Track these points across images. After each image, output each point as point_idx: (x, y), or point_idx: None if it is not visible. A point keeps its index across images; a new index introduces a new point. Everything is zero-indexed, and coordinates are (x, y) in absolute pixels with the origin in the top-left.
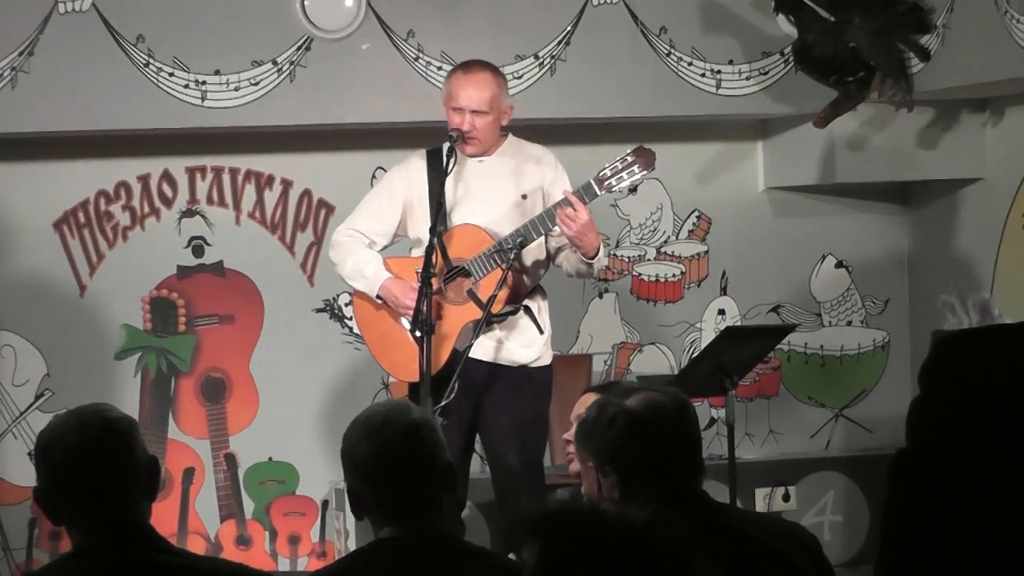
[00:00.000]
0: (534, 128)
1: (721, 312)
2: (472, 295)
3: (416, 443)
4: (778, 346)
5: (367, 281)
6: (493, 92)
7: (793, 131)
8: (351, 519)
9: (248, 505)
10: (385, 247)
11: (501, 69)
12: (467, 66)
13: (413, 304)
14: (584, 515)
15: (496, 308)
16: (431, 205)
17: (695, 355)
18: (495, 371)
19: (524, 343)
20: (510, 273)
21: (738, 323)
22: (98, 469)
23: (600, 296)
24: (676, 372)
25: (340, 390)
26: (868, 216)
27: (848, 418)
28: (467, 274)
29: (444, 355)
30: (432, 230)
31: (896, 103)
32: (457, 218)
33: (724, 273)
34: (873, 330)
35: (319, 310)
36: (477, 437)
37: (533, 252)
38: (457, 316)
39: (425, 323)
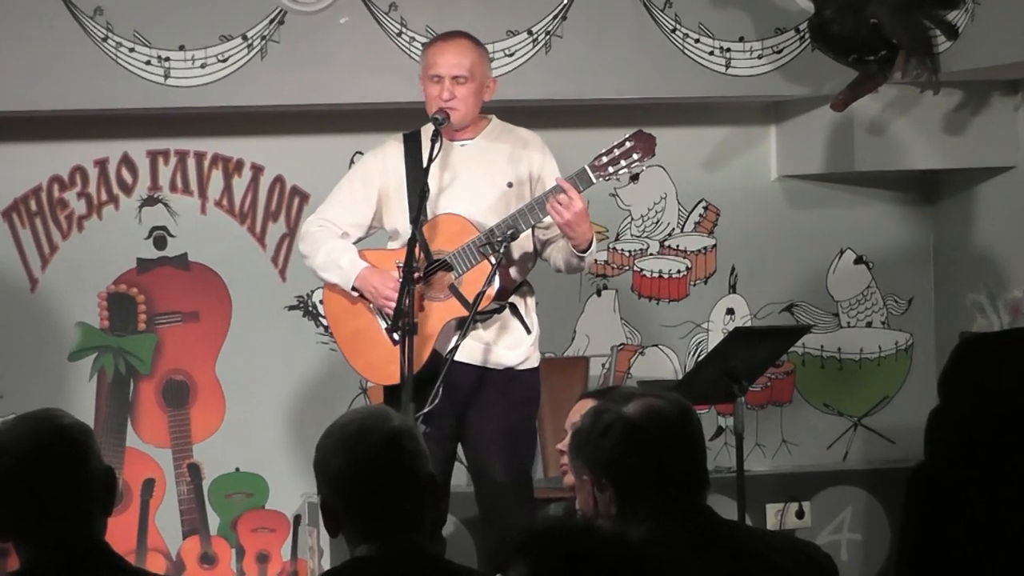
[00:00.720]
0: (527, 110)
1: (730, 311)
2: (455, 291)
3: (395, 453)
4: (792, 349)
5: (342, 272)
6: (473, 59)
7: (809, 115)
8: (325, 536)
9: (213, 520)
10: (359, 239)
11: (490, 46)
12: (445, 34)
13: (393, 296)
14: (576, 532)
15: (482, 305)
16: (410, 194)
17: (701, 358)
18: (479, 375)
19: (510, 344)
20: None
21: (748, 323)
22: (50, 480)
23: (598, 293)
24: (680, 377)
25: (314, 395)
26: (890, 207)
27: (868, 427)
28: (449, 268)
29: (424, 356)
30: (415, 220)
31: (921, 85)
32: (438, 207)
33: (733, 269)
34: (895, 332)
35: (292, 307)
36: (459, 446)
37: (520, 245)
38: (438, 314)
39: (408, 322)
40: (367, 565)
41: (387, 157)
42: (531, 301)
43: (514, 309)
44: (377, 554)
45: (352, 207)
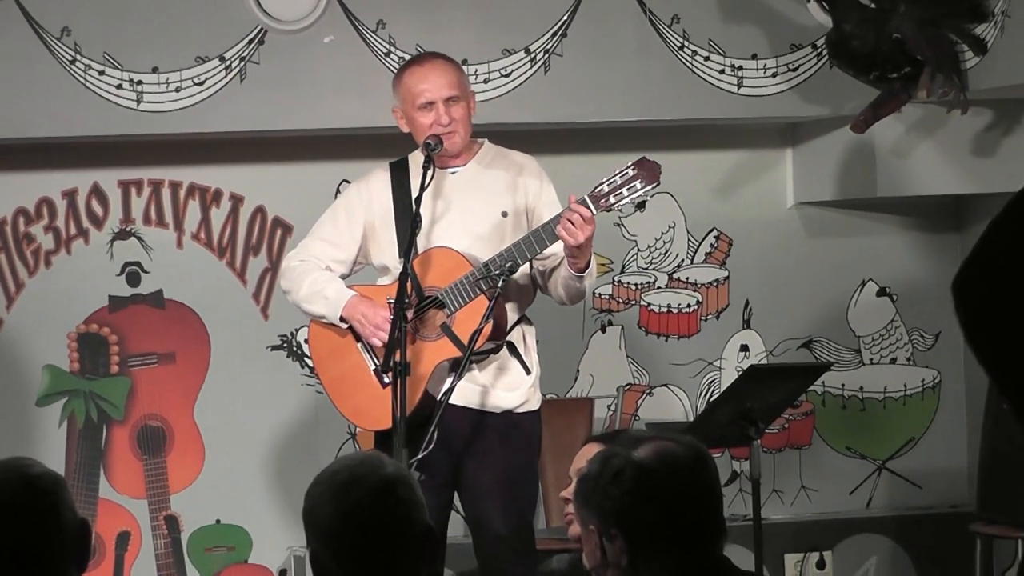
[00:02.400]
0: (524, 134)
1: (744, 348)
2: (447, 330)
3: (390, 503)
4: (811, 388)
5: (328, 302)
6: (459, 76)
7: (827, 137)
8: None
9: (193, 575)
10: (344, 276)
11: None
12: (416, 59)
13: (384, 325)
14: None
15: (477, 345)
16: (397, 226)
17: (714, 399)
18: (474, 419)
19: (508, 385)
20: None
21: (764, 361)
22: (19, 535)
23: (603, 330)
24: (692, 419)
25: (300, 441)
26: (914, 236)
27: (893, 472)
28: (441, 305)
29: (415, 399)
30: (407, 254)
31: (947, 104)
32: (429, 240)
33: (747, 303)
34: (921, 368)
35: (275, 347)
36: (456, 495)
37: (517, 279)
38: (430, 354)
39: (401, 362)
40: None
41: (372, 188)
42: (531, 339)
43: (512, 348)
44: None
45: (336, 241)
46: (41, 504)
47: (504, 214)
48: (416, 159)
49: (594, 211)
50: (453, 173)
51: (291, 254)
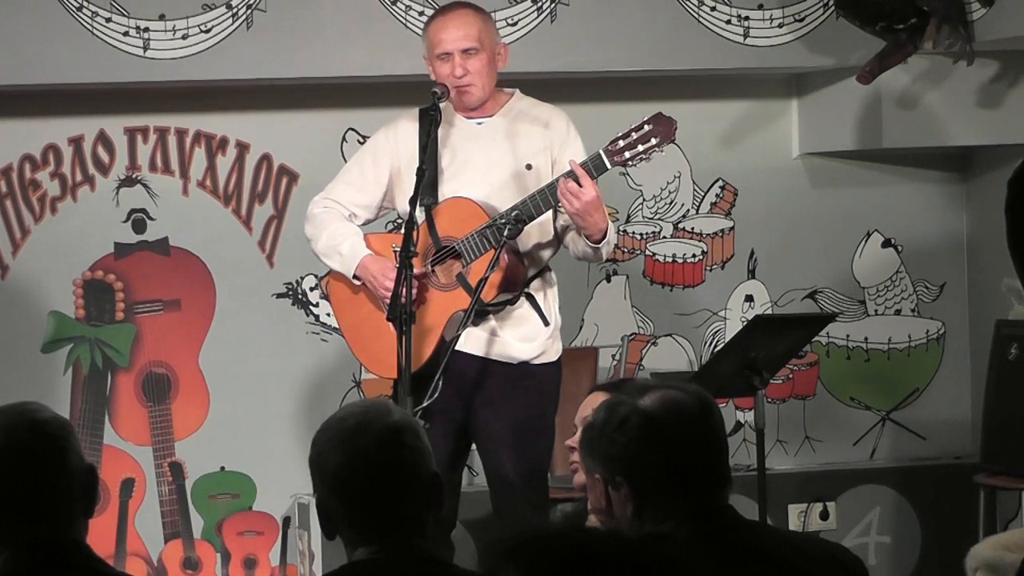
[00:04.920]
0: (531, 82)
1: (749, 299)
2: (461, 279)
3: (396, 450)
4: (816, 338)
5: (342, 259)
6: (479, 27)
7: (833, 88)
8: (316, 539)
9: (197, 522)
10: (368, 221)
11: (492, 14)
12: (442, 8)
13: (392, 286)
14: (568, 534)
15: (489, 296)
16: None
17: (718, 349)
18: (488, 368)
19: (523, 336)
20: (503, 255)
21: (769, 311)
22: (27, 479)
23: (608, 279)
24: (696, 368)
25: (305, 388)
26: (920, 187)
27: (897, 422)
28: (457, 255)
29: (428, 348)
30: (412, 201)
31: (954, 55)
32: (449, 190)
33: (752, 253)
34: (926, 320)
35: (280, 295)
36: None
37: (536, 232)
38: (444, 303)
39: (405, 310)
40: (366, 569)
41: (399, 134)
42: (552, 291)
43: (531, 299)
44: (377, 557)
45: (360, 187)
46: (49, 448)
47: (528, 167)
48: (445, 108)
49: (595, 176)
50: (479, 124)
51: (316, 199)
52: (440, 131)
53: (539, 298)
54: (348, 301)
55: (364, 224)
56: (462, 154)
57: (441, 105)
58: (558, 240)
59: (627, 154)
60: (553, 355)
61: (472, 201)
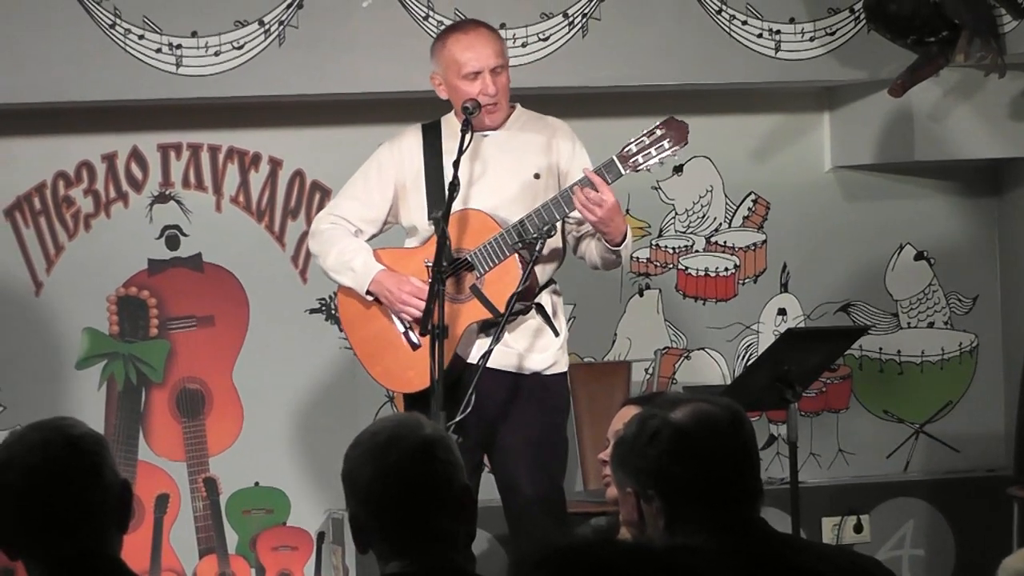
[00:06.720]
0: (563, 97)
1: (781, 312)
2: (477, 292)
3: (428, 464)
4: (848, 351)
5: (355, 275)
6: (500, 43)
7: (864, 101)
8: (351, 554)
9: (231, 538)
10: (373, 236)
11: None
12: (459, 27)
13: (410, 300)
14: (596, 546)
15: (503, 307)
16: (428, 187)
17: (751, 362)
18: (504, 381)
19: (538, 347)
20: (523, 266)
21: (801, 324)
22: (62, 494)
23: (640, 293)
24: (729, 382)
25: (338, 403)
26: (952, 200)
27: (930, 435)
28: (470, 267)
29: (446, 361)
30: (445, 216)
31: (985, 68)
32: (458, 202)
33: (785, 266)
34: (959, 332)
35: (313, 311)
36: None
37: (548, 242)
38: (460, 316)
39: (440, 324)
40: None
41: (404, 148)
42: (559, 301)
43: (540, 310)
44: (409, 571)
45: (366, 201)
46: (84, 464)
47: (536, 176)
48: (449, 122)
49: (609, 181)
50: (486, 136)
51: (321, 214)
52: (446, 145)
53: (548, 309)
54: (359, 316)
55: (369, 239)
56: (471, 166)
57: (443, 119)
58: (565, 250)
59: (640, 158)
60: (563, 366)
61: (483, 212)
